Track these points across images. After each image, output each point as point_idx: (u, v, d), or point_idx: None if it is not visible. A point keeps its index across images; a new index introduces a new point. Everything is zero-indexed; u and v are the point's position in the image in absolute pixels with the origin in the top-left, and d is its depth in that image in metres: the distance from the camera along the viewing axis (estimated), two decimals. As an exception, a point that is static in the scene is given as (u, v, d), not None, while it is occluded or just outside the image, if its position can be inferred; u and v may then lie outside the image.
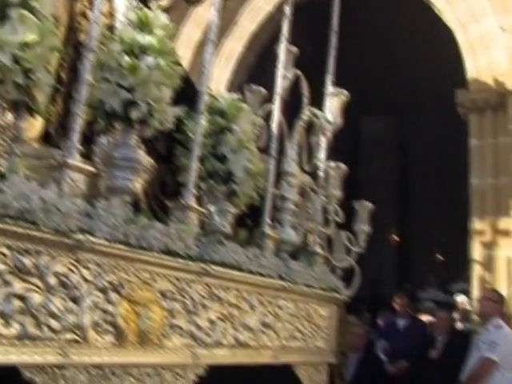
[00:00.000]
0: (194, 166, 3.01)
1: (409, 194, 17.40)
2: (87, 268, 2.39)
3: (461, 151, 8.14)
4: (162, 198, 3.45)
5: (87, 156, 2.79)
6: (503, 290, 6.54)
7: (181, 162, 3.23)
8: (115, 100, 2.64)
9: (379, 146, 17.41)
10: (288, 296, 3.73)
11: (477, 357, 5.79)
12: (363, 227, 4.61)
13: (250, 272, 3.28)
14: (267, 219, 3.72)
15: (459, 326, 8.48)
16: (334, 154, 4.60)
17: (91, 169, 2.49)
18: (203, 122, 3.15)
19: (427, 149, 16.82)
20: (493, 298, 6.10)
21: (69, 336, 2.32)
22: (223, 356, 3.15)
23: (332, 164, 4.48)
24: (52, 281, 2.25)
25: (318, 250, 4.31)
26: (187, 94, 3.18)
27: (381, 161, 17.24)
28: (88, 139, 2.99)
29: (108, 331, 2.48)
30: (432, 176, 16.68)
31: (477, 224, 7.07)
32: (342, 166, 4.49)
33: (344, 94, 4.40)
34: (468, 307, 8.19)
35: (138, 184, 2.69)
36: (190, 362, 2.91)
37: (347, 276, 4.59)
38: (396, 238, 17.66)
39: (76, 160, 2.42)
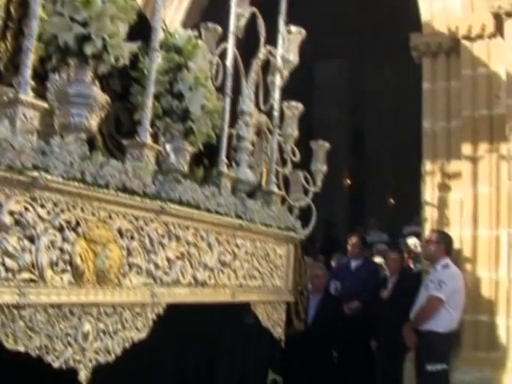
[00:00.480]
0: (149, 103, 2.96)
1: (362, 138, 17.49)
2: (43, 206, 2.35)
3: (414, 96, 8.17)
4: (117, 136, 3.39)
5: (41, 95, 2.72)
6: (455, 231, 6.64)
7: (136, 100, 3.18)
8: (69, 35, 2.55)
9: (333, 91, 17.37)
10: (246, 235, 3.73)
11: (425, 295, 5.93)
12: (320, 167, 4.62)
13: (208, 210, 3.26)
14: (224, 158, 3.70)
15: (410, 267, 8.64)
16: (287, 98, 4.58)
17: (45, 105, 2.42)
18: (158, 58, 3.08)
19: (381, 93, 16.87)
20: (436, 240, 6.22)
21: (26, 275, 2.28)
22: (182, 295, 3.15)
23: (289, 103, 4.46)
24: (7, 220, 2.20)
25: (275, 189, 4.32)
26: (142, 30, 3.10)
27: (334, 106, 17.24)
28: (41, 77, 2.91)
29: (65, 270, 2.44)
30: (385, 120, 16.79)
31: (428, 167, 7.12)
32: (299, 105, 4.47)
33: (302, 33, 4.34)
34: (419, 249, 8.33)
35: (93, 121, 2.63)
36: (149, 301, 2.91)
37: (303, 216, 4.61)
38: (348, 181, 17.81)
39: (29, 96, 2.35)
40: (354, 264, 8.26)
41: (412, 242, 9.02)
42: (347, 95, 17.66)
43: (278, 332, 4.24)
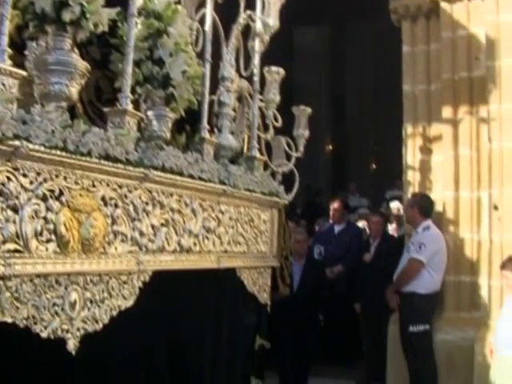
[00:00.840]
0: (129, 70, 2.92)
1: (343, 103, 17.44)
2: (25, 176, 2.33)
3: (395, 60, 8.13)
4: (97, 104, 3.36)
5: (19, 64, 2.67)
6: (437, 194, 6.64)
7: (116, 68, 3.15)
8: (46, 1, 2.51)
9: (313, 57, 17.27)
10: (229, 201, 3.74)
11: (407, 258, 5.98)
12: (302, 132, 4.61)
13: (191, 177, 3.25)
14: (205, 124, 3.68)
15: (393, 230, 8.69)
16: (267, 63, 4.56)
17: (23, 73, 2.38)
18: (138, 25, 3.05)
19: (361, 57, 16.80)
20: (410, 204, 6.27)
21: (11, 246, 2.27)
22: (167, 262, 3.15)
23: (270, 68, 4.44)
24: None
25: (257, 154, 4.31)
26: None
27: (314, 70, 17.15)
28: (19, 46, 2.87)
29: (50, 240, 2.43)
30: (366, 85, 16.73)
31: (409, 130, 7.09)
32: (280, 70, 4.45)
33: (282, -3, 4.30)
34: (402, 213, 8.35)
35: (73, 89, 2.60)
36: (135, 269, 2.91)
37: (286, 181, 4.62)
38: (330, 147, 17.78)
39: (6, 64, 2.31)
40: (337, 228, 8.30)
41: (395, 205, 9.05)
42: (327, 60, 17.57)
43: (264, 297, 4.27)
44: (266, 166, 4.49)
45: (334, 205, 8.48)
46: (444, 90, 6.67)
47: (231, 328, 3.90)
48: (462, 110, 6.49)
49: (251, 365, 4.30)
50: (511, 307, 5.18)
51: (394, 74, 7.96)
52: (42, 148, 2.34)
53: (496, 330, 5.28)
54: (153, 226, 3.02)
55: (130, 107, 2.91)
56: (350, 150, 17.11)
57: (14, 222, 2.28)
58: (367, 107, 16.52)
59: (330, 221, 8.70)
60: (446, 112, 6.58)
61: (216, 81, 3.92)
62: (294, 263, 6.34)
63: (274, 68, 4.45)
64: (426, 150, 6.90)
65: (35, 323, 2.37)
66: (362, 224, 9.01)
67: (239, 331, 4.02)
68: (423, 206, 6.18)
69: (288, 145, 4.61)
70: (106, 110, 2.97)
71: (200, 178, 3.34)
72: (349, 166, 17.04)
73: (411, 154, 7.03)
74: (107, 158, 2.64)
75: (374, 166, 17.27)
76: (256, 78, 4.36)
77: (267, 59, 4.49)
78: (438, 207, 6.45)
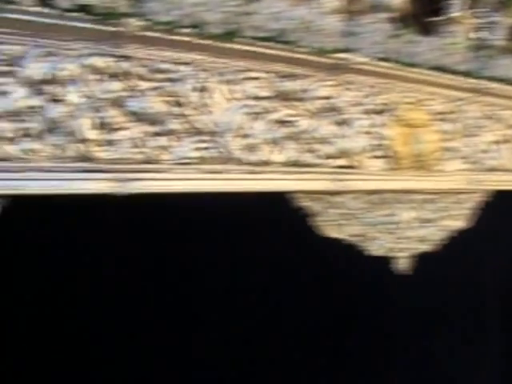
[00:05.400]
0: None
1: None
2: (351, 90, 2.26)
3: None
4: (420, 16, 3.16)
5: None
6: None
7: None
8: None
9: None
10: None
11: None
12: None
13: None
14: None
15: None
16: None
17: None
18: None
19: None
20: None
21: (341, 162, 2.23)
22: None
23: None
24: (317, 105, 2.15)
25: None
26: None
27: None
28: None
29: (381, 156, 2.35)
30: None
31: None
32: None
33: None
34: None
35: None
36: (470, 188, 2.70)
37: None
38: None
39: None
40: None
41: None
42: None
43: None
44: None
45: None
46: None
47: None
48: None
49: None
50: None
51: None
52: (368, 60, 2.24)
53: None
54: (489, 143, 2.79)
55: (458, 15, 2.69)
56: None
57: (344, 137, 2.23)
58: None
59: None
60: None
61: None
62: None
63: None
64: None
65: (364, 241, 2.33)
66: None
67: None
68: None
69: None
70: (433, 19, 2.77)
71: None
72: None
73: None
74: (437, 68, 2.46)
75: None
76: None
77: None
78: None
